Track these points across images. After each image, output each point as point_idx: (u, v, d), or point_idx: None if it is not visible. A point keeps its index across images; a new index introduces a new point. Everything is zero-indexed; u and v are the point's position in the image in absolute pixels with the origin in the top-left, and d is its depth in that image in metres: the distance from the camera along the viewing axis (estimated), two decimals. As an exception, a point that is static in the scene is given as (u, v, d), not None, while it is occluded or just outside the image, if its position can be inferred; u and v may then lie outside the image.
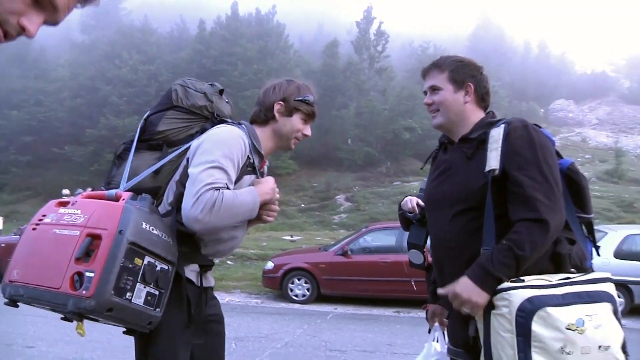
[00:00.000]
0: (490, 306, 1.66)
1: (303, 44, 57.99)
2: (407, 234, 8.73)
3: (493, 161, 1.80)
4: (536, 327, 1.57)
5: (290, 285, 10.19)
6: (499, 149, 1.80)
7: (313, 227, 27.07)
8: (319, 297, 9.94)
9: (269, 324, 6.18)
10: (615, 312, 1.68)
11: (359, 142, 40.44)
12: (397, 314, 9.06)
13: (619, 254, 9.35)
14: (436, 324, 2.34)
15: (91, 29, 47.01)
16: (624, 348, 1.65)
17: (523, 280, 1.65)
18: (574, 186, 1.94)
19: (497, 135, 1.85)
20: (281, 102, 2.29)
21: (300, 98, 2.32)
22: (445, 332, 2.27)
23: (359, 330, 7.44)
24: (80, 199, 2.03)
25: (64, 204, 2.00)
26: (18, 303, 1.92)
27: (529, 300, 1.59)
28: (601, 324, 1.60)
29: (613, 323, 1.65)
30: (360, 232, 10.88)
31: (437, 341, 2.34)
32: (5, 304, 1.93)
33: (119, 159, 2.28)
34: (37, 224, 1.98)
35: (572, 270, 1.79)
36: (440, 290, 1.81)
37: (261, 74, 39.65)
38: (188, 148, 2.13)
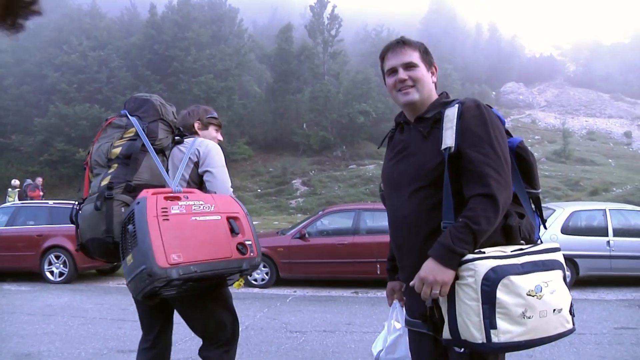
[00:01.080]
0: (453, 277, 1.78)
1: (257, 28, 57.51)
2: (364, 215, 8.97)
3: (449, 139, 1.89)
4: (500, 294, 1.68)
5: (250, 270, 10.21)
6: (454, 127, 1.90)
7: (270, 212, 27.13)
8: (278, 280, 10.05)
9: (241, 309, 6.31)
10: (564, 279, 1.84)
11: (314, 127, 40.55)
12: (355, 295, 9.27)
13: (566, 230, 9.78)
14: (395, 300, 2.38)
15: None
16: (571, 310, 1.81)
17: (483, 252, 1.76)
18: (523, 163, 2.04)
19: (451, 114, 1.94)
20: (198, 121, 3.17)
21: (209, 116, 3.24)
22: (404, 307, 2.32)
23: (318, 312, 7.60)
24: (186, 194, 2.53)
25: (175, 198, 2.46)
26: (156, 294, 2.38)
27: (493, 269, 1.70)
28: (555, 289, 1.75)
29: (564, 288, 1.81)
30: (317, 215, 11.00)
31: (397, 319, 2.37)
32: (148, 295, 2.35)
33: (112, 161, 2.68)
34: (165, 216, 2.36)
35: (522, 242, 1.92)
36: (411, 283, 1.87)
37: (215, 59, 39.19)
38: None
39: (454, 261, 1.76)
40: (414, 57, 2.08)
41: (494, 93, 58.54)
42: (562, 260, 1.88)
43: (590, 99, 60.17)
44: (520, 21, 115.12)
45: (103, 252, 2.61)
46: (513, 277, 1.70)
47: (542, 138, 43.96)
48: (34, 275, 10.54)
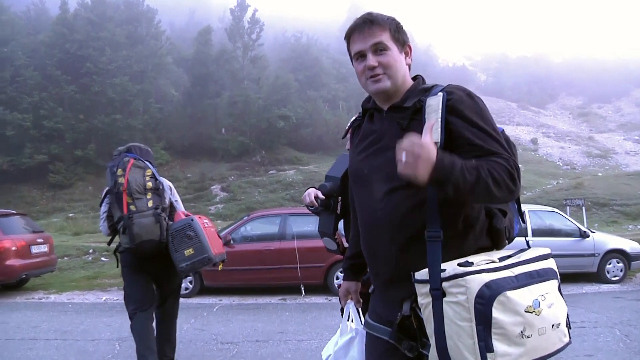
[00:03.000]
0: (441, 294, 1.53)
1: (174, 30, 56.12)
2: (290, 220, 9.01)
3: (435, 133, 1.63)
4: (497, 313, 1.45)
5: (172, 279, 9.78)
6: (439, 120, 1.66)
7: (189, 218, 26.39)
8: (202, 289, 9.66)
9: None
10: (559, 288, 1.64)
11: (233, 132, 40.06)
12: (283, 302, 9.04)
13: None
14: (349, 301, 2.22)
15: None
16: (567, 322, 1.62)
17: (472, 263, 1.53)
18: None
19: (435, 104, 1.70)
20: None
21: None
22: (360, 309, 2.20)
23: (248, 321, 7.31)
24: (200, 218, 4.30)
25: (202, 217, 4.37)
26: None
27: (487, 285, 1.47)
28: (553, 302, 1.55)
29: (560, 299, 1.61)
30: (242, 221, 10.69)
31: (351, 319, 2.22)
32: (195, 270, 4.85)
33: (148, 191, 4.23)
34: (207, 225, 4.29)
35: (506, 241, 1.80)
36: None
37: (131, 61, 37.84)
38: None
39: (443, 170, 1.50)
40: (384, 37, 1.79)
41: (410, 100, 60.20)
42: (556, 268, 1.67)
43: (500, 108, 63.11)
44: (434, 32, 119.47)
45: (155, 248, 4.06)
46: (509, 293, 1.48)
47: (456, 144, 45.58)
48: None
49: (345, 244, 2.55)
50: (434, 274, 1.55)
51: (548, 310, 1.52)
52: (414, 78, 1.92)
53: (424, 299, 1.57)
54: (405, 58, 1.87)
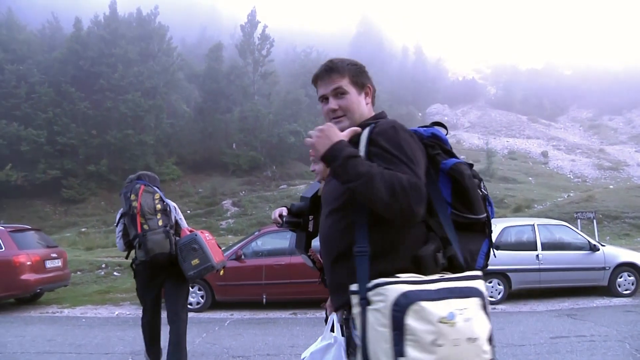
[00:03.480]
0: (366, 302, 1.67)
1: (185, 46, 56.73)
2: None
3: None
4: (410, 320, 1.58)
5: (184, 293, 9.89)
6: (362, 150, 1.85)
7: (201, 233, 26.52)
8: (213, 303, 9.75)
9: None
10: (484, 307, 1.70)
11: (244, 147, 40.30)
12: (294, 316, 9.10)
13: (498, 246, 10.06)
14: (333, 313, 2.28)
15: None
16: (490, 339, 1.69)
17: (398, 277, 1.67)
18: (457, 186, 1.92)
19: (364, 136, 1.89)
20: None
21: None
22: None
23: (259, 335, 7.39)
24: (202, 233, 5.05)
25: (203, 232, 5.09)
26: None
27: (404, 294, 1.61)
28: (471, 317, 1.62)
29: (481, 316, 1.67)
30: (253, 236, 10.79)
31: (332, 329, 2.36)
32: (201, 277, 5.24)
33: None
34: (208, 238, 5.01)
35: (443, 272, 1.82)
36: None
37: (143, 77, 38.30)
38: None
39: (334, 150, 1.78)
40: (343, 82, 2.03)
41: (420, 114, 60.23)
42: (483, 288, 1.74)
43: (510, 121, 63.07)
44: (443, 45, 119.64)
45: (166, 260, 4.84)
46: (424, 303, 1.60)
47: (467, 158, 45.38)
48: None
49: (320, 260, 2.70)
50: (361, 285, 1.71)
51: (464, 324, 1.60)
52: (379, 115, 2.10)
53: (356, 309, 1.71)
54: (365, 98, 2.09)
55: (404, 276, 1.68)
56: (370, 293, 1.67)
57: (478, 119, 64.43)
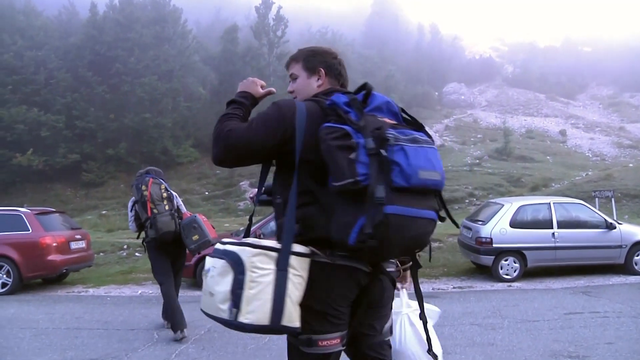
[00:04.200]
0: None
1: (200, 29, 56.72)
2: None
3: None
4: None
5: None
6: None
7: (218, 214, 26.82)
8: (234, 282, 9.97)
9: (187, 311, 6.22)
10: (234, 269, 1.84)
11: (261, 128, 40.31)
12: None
13: (514, 224, 10.15)
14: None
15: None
16: (235, 300, 1.81)
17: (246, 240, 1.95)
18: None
19: None
20: None
21: None
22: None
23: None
24: (200, 215, 6.35)
25: (200, 215, 6.37)
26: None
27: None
28: (214, 275, 1.91)
29: (224, 277, 1.86)
30: (271, 216, 10.97)
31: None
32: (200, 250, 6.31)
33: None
34: (204, 219, 6.29)
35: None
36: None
37: (159, 60, 38.48)
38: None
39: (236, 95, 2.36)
40: (296, 68, 2.37)
41: (436, 93, 59.80)
42: (243, 255, 1.87)
43: (527, 99, 62.34)
44: (459, 23, 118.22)
45: (172, 236, 6.09)
46: (207, 257, 2.01)
47: (484, 137, 45.14)
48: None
49: None
50: None
51: (210, 279, 1.93)
52: (325, 91, 2.25)
53: None
54: (317, 80, 2.33)
55: (250, 239, 1.94)
56: None
57: (495, 97, 63.77)
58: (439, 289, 9.63)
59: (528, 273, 10.22)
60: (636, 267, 10.30)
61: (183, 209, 6.65)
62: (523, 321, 6.55)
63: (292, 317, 1.87)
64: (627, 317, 6.60)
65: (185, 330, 6.05)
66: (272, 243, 1.90)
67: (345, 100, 2.02)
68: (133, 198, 6.38)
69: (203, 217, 6.31)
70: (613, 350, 5.16)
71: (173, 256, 6.44)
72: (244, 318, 1.80)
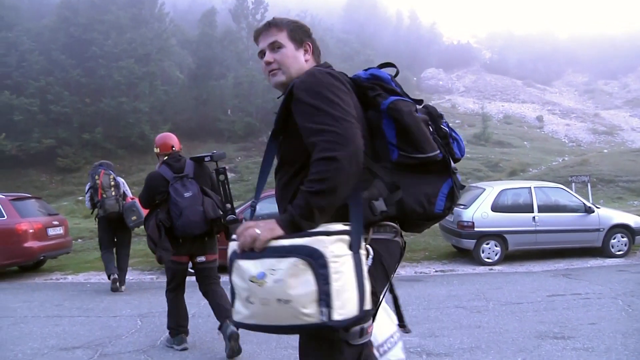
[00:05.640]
0: None
1: (177, 12, 55.85)
2: None
3: (276, 118, 1.93)
4: (234, 277, 1.70)
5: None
6: (281, 107, 1.90)
7: (197, 198, 26.59)
8: (220, 268, 9.89)
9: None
10: (313, 267, 1.59)
11: (239, 113, 40.11)
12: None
13: (495, 207, 10.23)
14: None
15: None
16: (323, 302, 1.58)
17: None
18: (398, 125, 1.88)
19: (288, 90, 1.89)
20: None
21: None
22: None
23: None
24: (137, 199, 6.08)
25: (138, 199, 5.58)
26: None
27: (233, 252, 1.71)
28: (282, 279, 1.58)
29: (300, 278, 1.59)
30: (249, 202, 10.89)
31: None
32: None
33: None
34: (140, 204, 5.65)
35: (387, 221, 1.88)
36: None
37: (136, 44, 37.81)
38: None
39: (291, 227, 1.66)
40: (280, 37, 2.03)
41: (415, 79, 59.95)
42: (320, 247, 1.61)
43: (505, 85, 62.91)
44: (438, 9, 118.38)
45: (116, 215, 8.26)
46: (241, 262, 1.67)
47: (462, 122, 45.45)
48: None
49: None
50: None
51: (273, 285, 1.59)
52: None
53: None
54: (305, 54, 2.08)
55: (320, 228, 1.69)
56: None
57: (473, 83, 64.21)
58: (421, 273, 9.68)
59: (508, 256, 10.32)
60: (612, 250, 10.47)
61: (129, 193, 8.55)
62: (507, 303, 6.60)
63: (368, 300, 1.69)
64: (607, 299, 6.70)
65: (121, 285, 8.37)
66: (339, 226, 1.69)
67: (389, 76, 2.02)
68: (89, 183, 8.38)
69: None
70: (596, 330, 5.22)
71: (117, 231, 8.47)
72: (338, 315, 1.58)
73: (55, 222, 10.98)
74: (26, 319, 6.60)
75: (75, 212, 22.64)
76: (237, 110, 40.36)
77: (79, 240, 14.52)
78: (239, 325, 1.72)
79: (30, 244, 10.00)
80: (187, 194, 4.74)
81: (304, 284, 1.58)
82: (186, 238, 4.79)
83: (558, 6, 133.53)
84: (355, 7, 69.56)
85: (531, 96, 60.10)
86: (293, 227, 1.65)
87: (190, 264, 5.07)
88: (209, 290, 5.05)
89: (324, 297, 1.58)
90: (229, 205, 4.70)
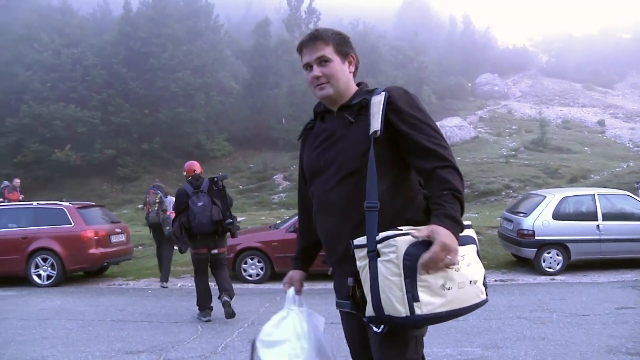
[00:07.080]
0: (375, 255, 1.78)
1: (231, 24, 56.92)
2: None
3: (376, 123, 1.94)
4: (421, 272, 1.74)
5: (244, 266, 10.21)
6: (380, 112, 1.95)
7: (253, 207, 26.96)
8: (272, 275, 9.99)
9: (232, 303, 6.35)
10: (477, 252, 1.94)
11: (293, 121, 40.34)
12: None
13: (557, 216, 9.92)
14: (291, 288, 2.40)
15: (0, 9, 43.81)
16: (485, 282, 1.91)
17: (402, 229, 1.79)
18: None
19: (378, 101, 1.99)
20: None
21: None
22: (298, 297, 2.40)
23: (320, 304, 7.49)
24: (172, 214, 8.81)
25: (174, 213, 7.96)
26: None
27: (413, 245, 1.74)
28: (470, 262, 1.84)
29: (477, 261, 1.91)
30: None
31: (288, 305, 2.38)
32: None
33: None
34: (173, 217, 8.05)
35: None
36: (416, 233, 1.77)
37: (192, 55, 38.73)
38: None
39: (460, 231, 1.82)
40: (327, 51, 2.10)
41: (469, 85, 58.93)
42: (475, 236, 1.97)
43: (563, 89, 61.01)
44: (492, 13, 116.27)
45: (156, 225, 10.22)
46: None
47: (519, 128, 44.26)
48: (18, 280, 10.28)
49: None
50: (370, 238, 1.82)
51: (466, 268, 1.82)
52: (359, 84, 2.21)
53: (362, 262, 1.83)
54: (349, 67, 2.17)
55: (406, 228, 1.80)
56: (379, 245, 1.78)
57: (529, 87, 62.54)
58: (480, 282, 9.47)
59: (571, 266, 9.98)
60: (685, 261, 9.96)
61: (169, 208, 9.72)
62: (573, 315, 6.37)
63: None
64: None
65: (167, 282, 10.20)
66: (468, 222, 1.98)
67: None
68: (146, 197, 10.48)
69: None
70: (672, 346, 4.97)
71: (160, 236, 10.06)
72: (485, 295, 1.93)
73: (118, 230, 11.34)
74: (93, 322, 6.84)
75: (135, 220, 23.27)
76: (291, 119, 40.67)
77: (139, 247, 14.93)
78: (426, 318, 1.74)
79: (95, 250, 10.37)
80: (200, 204, 6.62)
81: (479, 266, 1.92)
82: (201, 235, 6.64)
83: (620, 4, 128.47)
84: (408, 13, 69.11)
85: (591, 100, 58.01)
86: (460, 228, 1.82)
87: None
88: (218, 272, 6.87)
89: (485, 277, 1.93)
90: (227, 213, 6.82)
